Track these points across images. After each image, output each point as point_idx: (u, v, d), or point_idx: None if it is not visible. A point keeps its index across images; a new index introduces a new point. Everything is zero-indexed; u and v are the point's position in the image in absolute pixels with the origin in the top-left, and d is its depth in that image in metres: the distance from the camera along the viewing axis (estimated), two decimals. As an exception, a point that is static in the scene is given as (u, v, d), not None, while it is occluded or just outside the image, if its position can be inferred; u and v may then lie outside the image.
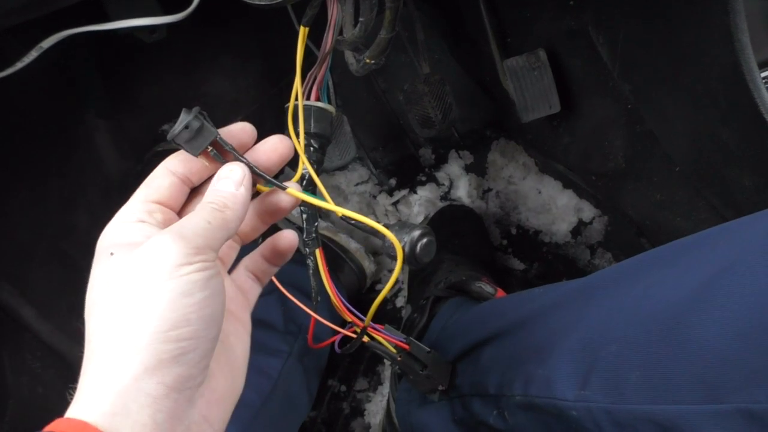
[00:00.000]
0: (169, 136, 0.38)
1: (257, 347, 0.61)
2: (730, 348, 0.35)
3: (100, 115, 0.89)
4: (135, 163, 0.91)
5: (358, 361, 0.89)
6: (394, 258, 0.46)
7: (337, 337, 0.59)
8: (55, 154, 0.83)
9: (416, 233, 0.45)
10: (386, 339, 0.58)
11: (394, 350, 0.58)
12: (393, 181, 1.02)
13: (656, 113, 0.72)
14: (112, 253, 0.34)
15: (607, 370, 0.43)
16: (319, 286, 0.52)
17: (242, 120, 0.42)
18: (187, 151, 0.38)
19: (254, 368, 0.60)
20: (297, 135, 0.51)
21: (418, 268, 0.61)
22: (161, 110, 0.91)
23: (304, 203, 0.45)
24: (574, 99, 0.85)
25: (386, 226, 0.45)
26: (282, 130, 0.55)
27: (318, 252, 0.51)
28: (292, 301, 0.52)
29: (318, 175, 0.51)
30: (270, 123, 0.97)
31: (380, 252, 0.98)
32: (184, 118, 0.38)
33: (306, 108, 0.51)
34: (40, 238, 0.80)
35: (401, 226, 0.47)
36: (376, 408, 0.86)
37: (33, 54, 0.58)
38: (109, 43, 0.77)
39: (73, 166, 0.85)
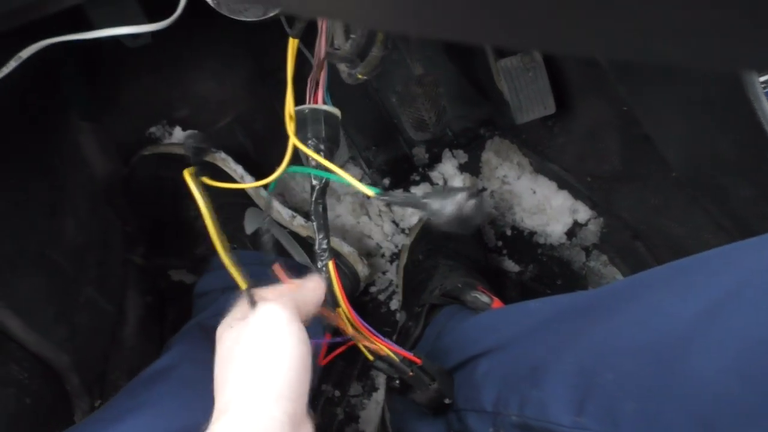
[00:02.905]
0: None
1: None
2: (728, 385, 0.34)
3: (84, 117, 0.86)
4: (121, 166, 0.89)
5: (352, 365, 0.89)
6: (441, 222, 0.46)
7: (343, 349, 0.58)
8: (37, 158, 0.81)
9: (463, 196, 0.44)
10: (396, 352, 0.57)
11: (403, 365, 0.57)
12: (386, 181, 1.00)
13: (652, 117, 0.71)
14: (231, 326, 0.41)
15: (603, 399, 0.42)
16: (333, 300, 0.51)
17: (231, 121, 0.53)
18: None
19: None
20: (304, 142, 0.50)
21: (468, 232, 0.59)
22: (147, 112, 0.89)
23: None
24: (570, 99, 0.84)
25: (426, 195, 0.45)
26: (275, 133, 0.54)
27: (331, 264, 0.50)
28: None
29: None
30: (260, 124, 0.95)
31: (374, 254, 0.97)
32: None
33: (315, 112, 0.50)
34: (24, 245, 0.78)
35: (445, 192, 0.46)
36: (370, 415, 0.85)
37: (12, 64, 0.56)
38: (93, 47, 0.75)
39: (57, 170, 0.83)
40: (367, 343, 0.53)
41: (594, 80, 0.79)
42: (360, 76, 0.44)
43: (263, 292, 0.44)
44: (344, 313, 0.53)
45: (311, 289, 0.44)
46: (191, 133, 0.54)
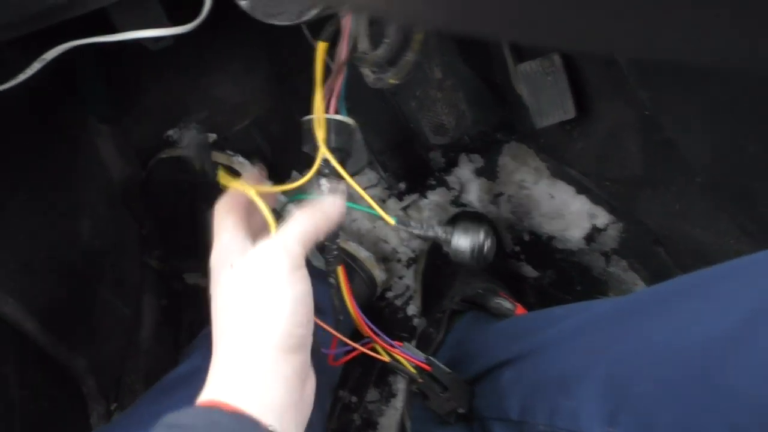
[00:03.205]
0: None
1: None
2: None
3: (103, 120, 0.86)
4: (139, 170, 0.89)
5: (369, 371, 0.88)
6: (460, 258, 0.46)
7: (357, 353, 0.57)
8: (56, 160, 0.81)
9: (481, 236, 0.45)
10: (406, 359, 0.56)
11: (413, 370, 0.57)
12: (402, 185, 1.00)
13: (676, 122, 0.70)
14: (231, 265, 0.39)
15: (638, 410, 0.41)
16: (341, 305, 0.50)
17: (249, 124, 0.51)
18: None
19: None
20: (312, 152, 0.50)
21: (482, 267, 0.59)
22: (166, 116, 0.89)
23: None
24: (589, 103, 0.83)
25: (446, 230, 0.48)
26: (292, 136, 0.54)
27: (340, 269, 0.49)
28: None
29: None
30: (277, 127, 0.95)
31: (390, 259, 0.96)
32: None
33: (325, 121, 0.49)
34: (42, 248, 0.78)
35: (464, 230, 0.46)
36: (389, 422, 0.85)
37: (36, 66, 0.56)
38: (114, 50, 0.75)
39: (76, 173, 0.83)
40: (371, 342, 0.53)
41: (614, 84, 0.78)
42: (392, 81, 0.44)
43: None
44: (354, 317, 0.52)
45: (326, 210, 0.43)
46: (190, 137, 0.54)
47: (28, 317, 0.75)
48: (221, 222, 0.42)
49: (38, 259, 0.77)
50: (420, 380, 0.55)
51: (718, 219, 0.70)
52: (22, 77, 0.56)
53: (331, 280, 0.49)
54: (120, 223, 0.88)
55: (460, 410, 0.57)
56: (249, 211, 0.45)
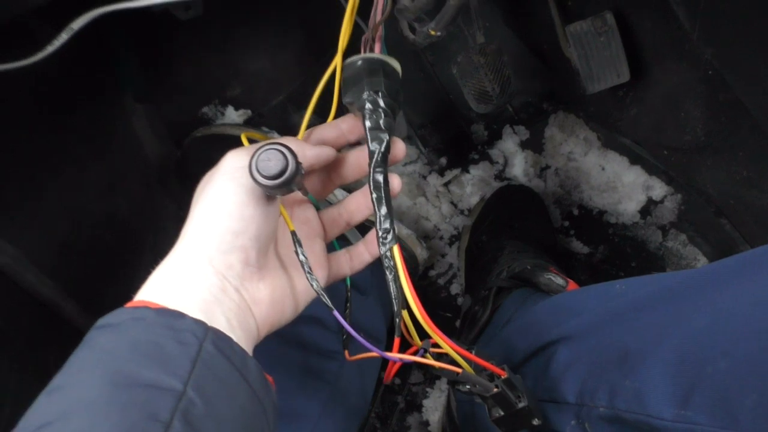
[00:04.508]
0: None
1: (312, 348, 0.57)
2: None
3: (137, 98, 0.85)
4: (173, 148, 0.88)
5: (412, 352, 0.85)
6: None
7: (401, 365, 0.48)
8: (93, 140, 0.80)
9: None
10: (479, 363, 0.45)
11: (488, 381, 0.46)
12: (443, 160, 0.96)
13: (746, 79, 0.64)
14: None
15: (715, 390, 0.37)
16: (400, 295, 0.40)
17: (284, 99, 0.48)
18: None
19: (311, 373, 0.56)
20: (357, 100, 0.43)
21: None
22: (200, 92, 0.87)
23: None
24: (645, 66, 0.77)
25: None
26: (328, 111, 0.49)
27: (396, 249, 0.40)
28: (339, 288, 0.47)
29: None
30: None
31: (432, 236, 0.93)
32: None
33: (371, 61, 0.43)
34: (79, 229, 0.77)
35: None
36: (434, 404, 0.81)
37: (63, 36, 0.54)
38: (144, 23, 0.73)
39: (112, 152, 0.82)
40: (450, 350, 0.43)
41: (673, 42, 0.72)
42: (433, 33, 0.40)
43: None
44: (416, 310, 0.40)
45: (315, 151, 0.43)
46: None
47: (66, 298, 0.74)
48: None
49: (77, 241, 0.76)
50: (496, 389, 0.45)
51: (793, 185, 0.64)
52: (50, 49, 0.55)
53: (385, 263, 0.40)
54: (156, 202, 0.87)
55: (536, 422, 0.48)
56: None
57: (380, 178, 0.42)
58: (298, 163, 0.37)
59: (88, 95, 0.79)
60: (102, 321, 0.34)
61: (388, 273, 0.40)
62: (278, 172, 0.35)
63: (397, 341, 0.43)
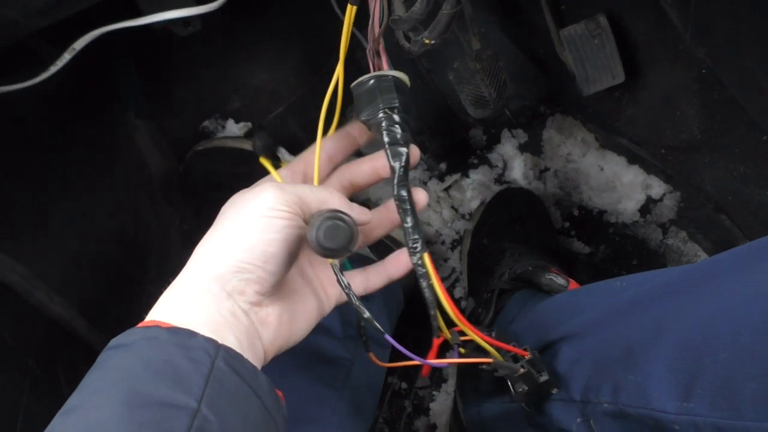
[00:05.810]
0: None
1: (318, 356, 0.58)
2: None
3: (139, 115, 0.86)
4: (176, 163, 0.89)
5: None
6: None
7: (431, 369, 0.52)
8: (97, 158, 0.81)
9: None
10: (504, 348, 0.50)
11: (515, 365, 0.51)
12: (443, 166, 0.97)
13: (740, 77, 0.65)
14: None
15: (716, 381, 0.37)
16: (434, 300, 0.44)
17: (283, 112, 0.51)
18: None
19: (319, 380, 0.57)
20: (374, 117, 0.45)
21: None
22: (200, 106, 0.88)
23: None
24: (639, 66, 0.78)
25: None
26: (328, 122, 0.51)
27: (426, 257, 0.44)
28: (348, 304, 0.47)
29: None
30: (313, 113, 0.93)
31: (434, 241, 0.94)
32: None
33: (382, 79, 0.45)
34: (87, 247, 0.78)
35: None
36: (441, 408, 0.82)
37: (66, 57, 0.56)
38: (144, 40, 0.74)
39: (117, 169, 0.83)
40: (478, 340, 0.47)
41: (667, 43, 0.73)
42: (427, 42, 0.41)
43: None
44: (450, 311, 0.45)
45: (320, 190, 0.43)
46: (259, 132, 0.52)
47: (76, 315, 0.75)
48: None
49: (85, 258, 0.77)
50: (522, 369, 0.49)
51: (790, 179, 0.65)
52: (53, 69, 0.56)
53: (419, 271, 0.44)
54: (162, 218, 0.88)
55: (555, 390, 0.51)
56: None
57: (404, 192, 0.45)
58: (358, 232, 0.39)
59: (91, 114, 0.80)
60: (114, 341, 0.35)
61: (422, 281, 0.43)
62: (345, 245, 0.38)
63: (435, 342, 0.47)
